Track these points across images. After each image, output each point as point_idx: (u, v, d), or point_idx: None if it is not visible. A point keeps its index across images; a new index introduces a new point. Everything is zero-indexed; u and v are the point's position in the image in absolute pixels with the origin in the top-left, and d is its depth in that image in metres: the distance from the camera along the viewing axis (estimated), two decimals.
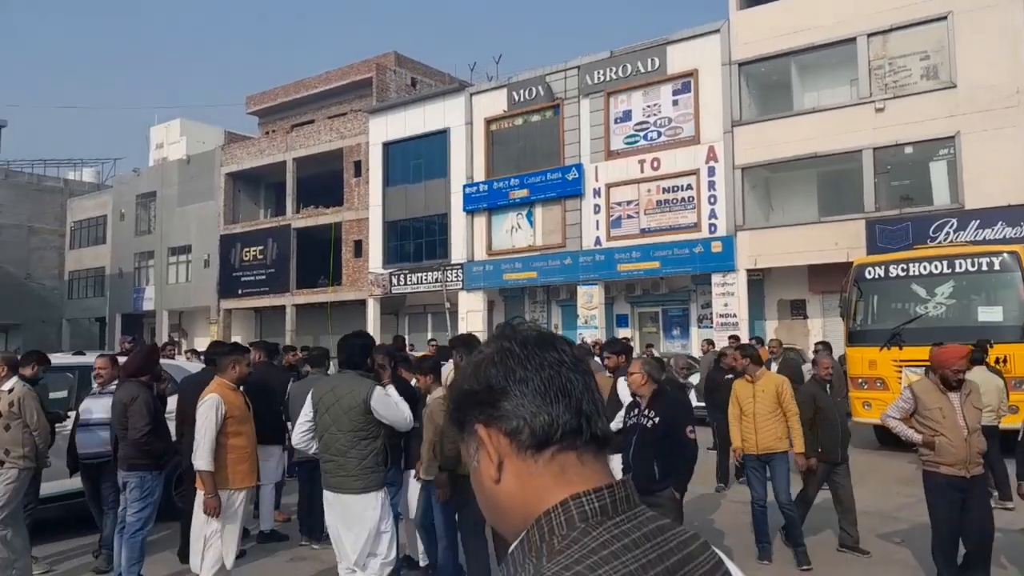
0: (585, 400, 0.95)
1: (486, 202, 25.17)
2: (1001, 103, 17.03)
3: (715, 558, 0.95)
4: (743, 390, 6.65)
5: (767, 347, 12.90)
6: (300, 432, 4.79)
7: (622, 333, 22.20)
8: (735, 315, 20.30)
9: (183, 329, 35.78)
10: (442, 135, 26.51)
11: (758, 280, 21.19)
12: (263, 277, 31.70)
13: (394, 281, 27.17)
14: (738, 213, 20.59)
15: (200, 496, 4.97)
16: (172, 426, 6.76)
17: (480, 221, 25.52)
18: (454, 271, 25.63)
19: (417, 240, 27.33)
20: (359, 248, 29.01)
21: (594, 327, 22.42)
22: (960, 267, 11.05)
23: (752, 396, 6.50)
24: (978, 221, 16.91)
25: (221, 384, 5.08)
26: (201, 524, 4.92)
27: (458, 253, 25.83)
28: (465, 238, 25.68)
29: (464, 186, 25.61)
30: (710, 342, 15.50)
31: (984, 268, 10.88)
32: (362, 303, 28.16)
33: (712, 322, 20.98)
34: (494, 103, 25.40)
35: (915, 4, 18.16)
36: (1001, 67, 17.10)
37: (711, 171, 20.99)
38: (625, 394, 6.81)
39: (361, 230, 28.85)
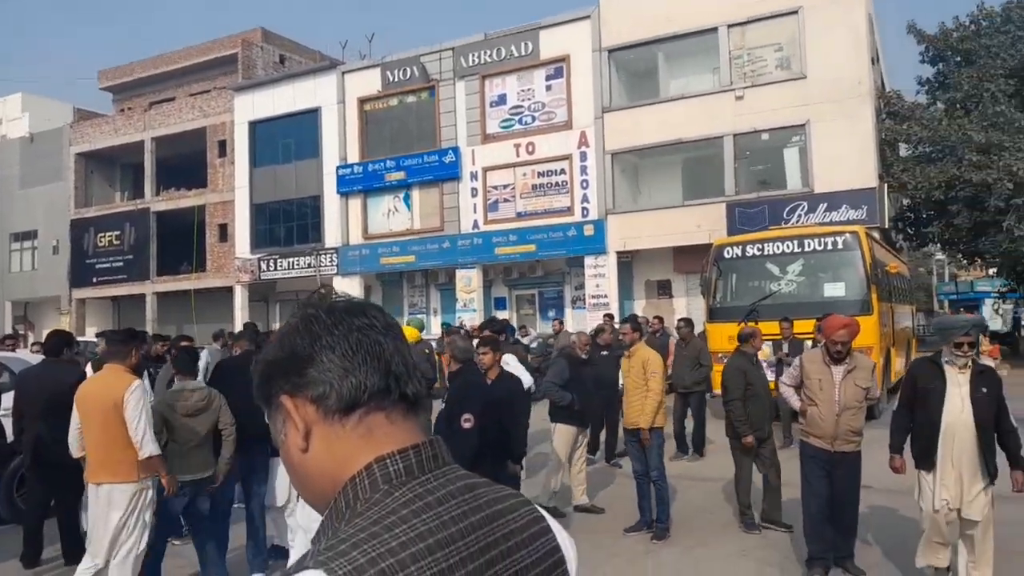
0: (395, 362, 0.95)
1: (361, 184, 24.63)
2: (845, 94, 18.33)
3: (533, 514, 0.96)
4: (624, 365, 6.72)
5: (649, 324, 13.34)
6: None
7: (500, 315, 22.37)
8: (606, 296, 20.93)
9: (29, 321, 32.96)
10: (313, 114, 25.66)
11: (627, 262, 21.92)
12: (120, 264, 29.72)
13: (263, 266, 26.15)
14: (608, 197, 21.18)
15: (96, 491, 4.72)
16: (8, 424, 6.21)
17: (355, 204, 24.96)
18: (328, 256, 24.97)
19: (288, 223, 26.39)
20: (225, 232, 27.71)
21: (473, 310, 22.50)
22: (808, 247, 11.85)
23: (628, 371, 6.59)
24: (825, 204, 18.19)
25: (127, 371, 4.78)
26: (103, 517, 4.68)
27: (332, 237, 25.18)
28: (339, 221, 25.05)
29: (337, 167, 24.94)
30: (561, 322, 15.75)
31: (829, 247, 11.72)
32: (229, 290, 26.93)
33: (585, 303, 21.54)
34: (367, 83, 24.83)
35: None
36: (845, 60, 18.38)
37: (583, 156, 21.46)
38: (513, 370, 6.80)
39: (227, 213, 27.54)
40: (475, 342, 6.28)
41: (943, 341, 4.60)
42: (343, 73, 25.32)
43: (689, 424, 9.77)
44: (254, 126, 26.86)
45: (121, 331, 5.25)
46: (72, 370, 6.26)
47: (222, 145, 27.85)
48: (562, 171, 21.85)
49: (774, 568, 5.50)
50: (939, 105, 21.08)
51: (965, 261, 24.96)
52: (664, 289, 22.02)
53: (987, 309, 37.79)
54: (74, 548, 5.79)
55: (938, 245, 24.37)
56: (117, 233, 29.87)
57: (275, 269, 26.00)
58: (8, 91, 36.88)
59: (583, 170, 21.47)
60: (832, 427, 5.09)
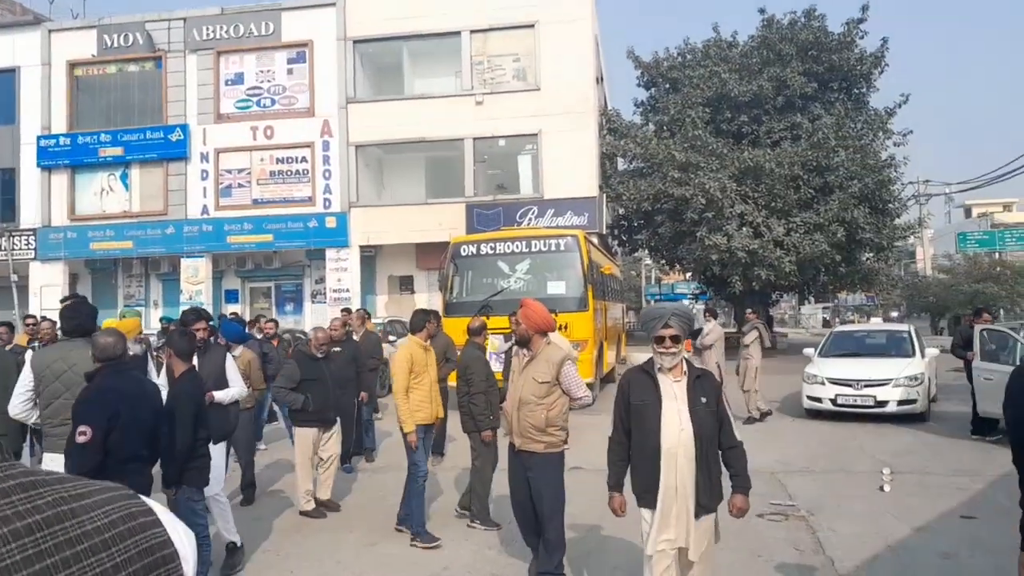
0: None
1: (68, 158, 21.83)
2: (573, 108, 19.87)
3: (128, 509, 0.87)
4: (421, 356, 6.16)
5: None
6: (20, 402, 4.69)
7: (232, 309, 21.12)
8: (348, 290, 20.66)
9: None
10: (9, 75, 22.29)
11: (370, 256, 21.84)
12: None
13: None
14: (352, 190, 20.93)
15: None
16: None
17: (60, 180, 22.05)
18: (24, 237, 21.82)
19: None
20: None
21: (200, 303, 20.91)
22: (535, 247, 12.72)
23: (426, 364, 6.20)
24: (553, 210, 19.60)
25: None
26: None
27: (30, 216, 22.03)
28: (39, 199, 21.98)
29: (39, 137, 21.88)
30: (276, 322, 13.90)
31: (552, 249, 12.67)
32: None
33: (326, 297, 21.08)
34: (80, 45, 22.08)
35: (508, 9, 20.23)
36: (574, 76, 19.93)
37: (326, 145, 20.98)
38: (231, 370, 6.18)
39: None
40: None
41: (649, 338, 3.78)
42: (50, 31, 22.28)
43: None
44: None
45: None
46: None
47: None
48: (303, 159, 21.17)
49: (493, 551, 5.78)
50: (650, 126, 23.64)
51: (667, 266, 28.27)
52: (407, 285, 22.25)
53: None
54: None
55: (646, 251, 27.34)
56: None
57: None
58: None
59: (326, 160, 20.98)
60: (514, 422, 4.71)
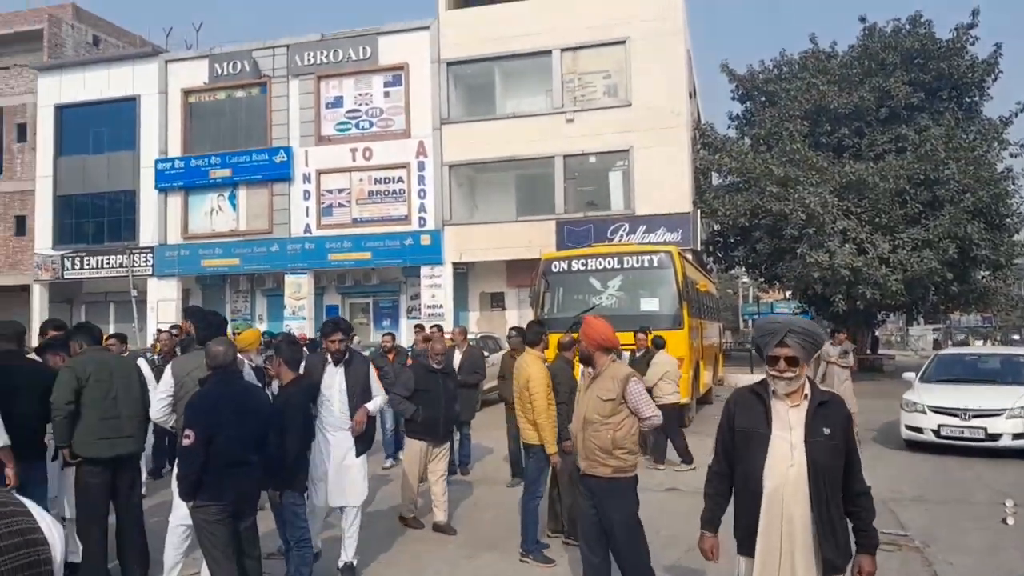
0: None
1: (182, 180, 23.20)
2: (664, 123, 19.67)
3: None
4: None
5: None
6: (160, 407, 4.91)
7: None
8: (442, 306, 21.05)
9: None
10: (130, 103, 23.91)
11: (463, 273, 22.18)
12: None
13: (67, 264, 23.90)
14: (446, 208, 21.36)
15: None
16: None
17: (175, 201, 23.46)
18: (143, 255, 23.27)
19: (98, 219, 24.33)
20: (21, 225, 25.11)
21: (302, 318, 21.81)
22: (627, 263, 12.58)
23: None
24: (645, 226, 19.40)
25: None
26: None
27: (148, 235, 23.50)
28: (157, 219, 23.44)
29: (156, 161, 23.36)
30: (391, 334, 14.07)
31: (646, 265, 12.50)
32: (25, 289, 24.37)
33: (420, 313, 21.52)
34: (193, 74, 23.50)
35: (600, 27, 20.26)
36: (665, 91, 19.74)
37: (421, 166, 21.51)
38: (373, 379, 6.01)
39: (25, 204, 24.95)
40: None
41: (761, 358, 3.17)
42: (166, 62, 23.82)
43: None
44: (60, 111, 24.59)
45: None
46: None
47: (22, 129, 25.26)
48: (400, 179, 21.77)
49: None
50: (746, 140, 23.07)
51: (765, 283, 27.39)
52: (497, 301, 22.48)
53: None
54: None
55: (743, 268, 26.58)
56: None
57: (82, 268, 23.85)
58: None
59: (421, 180, 21.51)
60: (579, 443, 4.43)
